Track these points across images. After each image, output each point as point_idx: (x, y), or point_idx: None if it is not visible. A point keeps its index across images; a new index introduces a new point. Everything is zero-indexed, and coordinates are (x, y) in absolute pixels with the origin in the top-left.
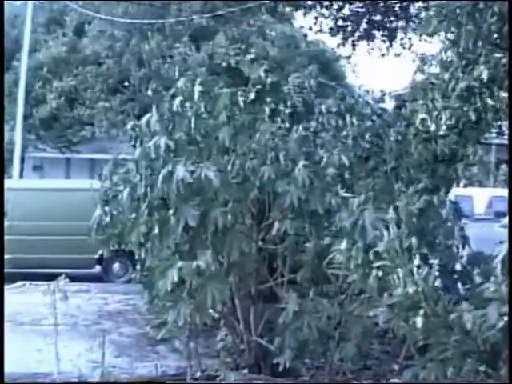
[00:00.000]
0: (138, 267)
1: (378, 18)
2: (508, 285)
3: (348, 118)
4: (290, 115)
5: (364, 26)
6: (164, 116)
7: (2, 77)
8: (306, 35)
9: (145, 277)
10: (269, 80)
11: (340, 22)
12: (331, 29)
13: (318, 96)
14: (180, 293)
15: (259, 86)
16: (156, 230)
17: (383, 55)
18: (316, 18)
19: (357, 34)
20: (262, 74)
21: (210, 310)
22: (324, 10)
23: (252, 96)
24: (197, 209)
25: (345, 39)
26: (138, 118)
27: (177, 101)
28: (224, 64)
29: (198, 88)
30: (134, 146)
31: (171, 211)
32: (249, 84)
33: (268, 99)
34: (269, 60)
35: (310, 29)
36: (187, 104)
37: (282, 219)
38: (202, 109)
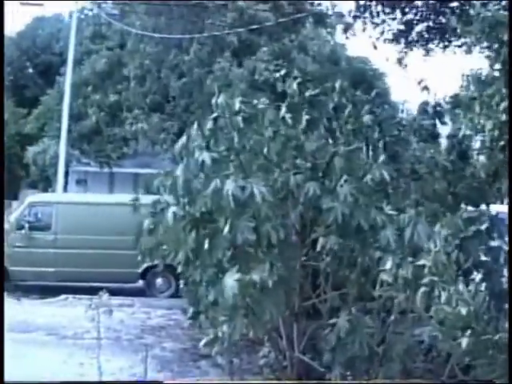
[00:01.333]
0: (183, 282)
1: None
2: (508, 285)
3: (387, 133)
4: (333, 131)
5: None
6: (206, 131)
7: (2, 77)
8: (344, 46)
9: (191, 292)
10: (309, 95)
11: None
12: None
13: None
14: (235, 307)
15: (301, 102)
16: (205, 245)
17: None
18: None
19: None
20: (302, 89)
21: (267, 325)
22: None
23: (294, 112)
24: (250, 222)
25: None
26: (179, 134)
27: (217, 116)
28: (262, 78)
29: (238, 103)
30: (176, 161)
31: (226, 227)
32: (289, 99)
33: (310, 115)
34: (309, 75)
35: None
36: (229, 119)
37: (326, 235)
38: (242, 124)
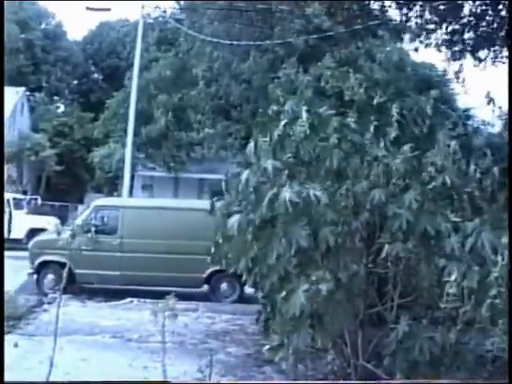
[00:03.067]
0: (248, 287)
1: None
2: (508, 285)
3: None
4: (398, 138)
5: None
6: (272, 138)
7: (2, 77)
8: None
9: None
10: (375, 102)
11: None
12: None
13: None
14: (301, 317)
15: (367, 109)
16: (266, 251)
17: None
18: (427, 32)
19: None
20: (370, 96)
21: (333, 334)
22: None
23: (360, 119)
24: (306, 229)
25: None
26: (246, 139)
27: (284, 123)
28: (329, 86)
29: (305, 110)
30: (242, 168)
31: (282, 232)
32: (355, 106)
33: (376, 122)
34: (376, 82)
35: (421, 42)
36: (295, 126)
37: (392, 242)
38: (309, 131)
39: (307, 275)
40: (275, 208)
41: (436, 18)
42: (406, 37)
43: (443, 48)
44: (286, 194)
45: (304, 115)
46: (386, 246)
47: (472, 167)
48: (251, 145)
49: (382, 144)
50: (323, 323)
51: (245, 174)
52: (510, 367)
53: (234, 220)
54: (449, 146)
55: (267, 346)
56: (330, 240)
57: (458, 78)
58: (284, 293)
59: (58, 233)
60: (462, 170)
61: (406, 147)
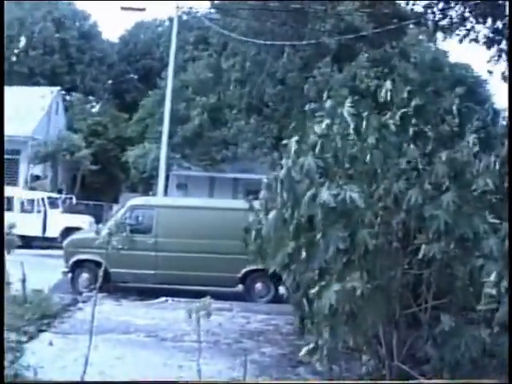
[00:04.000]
0: (284, 288)
1: None
2: (508, 284)
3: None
4: (435, 139)
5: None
6: (310, 137)
7: (2, 77)
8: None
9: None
10: (413, 103)
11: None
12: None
13: (464, 119)
14: (336, 315)
15: (404, 109)
16: (303, 252)
17: None
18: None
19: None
20: (406, 97)
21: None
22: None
23: (398, 119)
24: (343, 231)
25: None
26: (278, 138)
27: (325, 122)
28: (363, 86)
29: (348, 110)
30: (274, 168)
31: (319, 234)
32: (392, 107)
33: (413, 122)
34: (411, 83)
35: (461, 41)
36: (334, 125)
37: (429, 243)
38: (351, 131)
39: (343, 276)
40: (313, 208)
41: (475, 17)
42: (441, 36)
43: (485, 47)
44: (324, 195)
45: (346, 115)
46: (423, 246)
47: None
48: (290, 143)
49: (419, 145)
50: (358, 323)
51: (283, 172)
52: (510, 367)
53: (272, 217)
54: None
55: (304, 348)
56: (369, 242)
57: (504, 78)
58: (319, 292)
59: (97, 232)
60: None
61: (443, 149)
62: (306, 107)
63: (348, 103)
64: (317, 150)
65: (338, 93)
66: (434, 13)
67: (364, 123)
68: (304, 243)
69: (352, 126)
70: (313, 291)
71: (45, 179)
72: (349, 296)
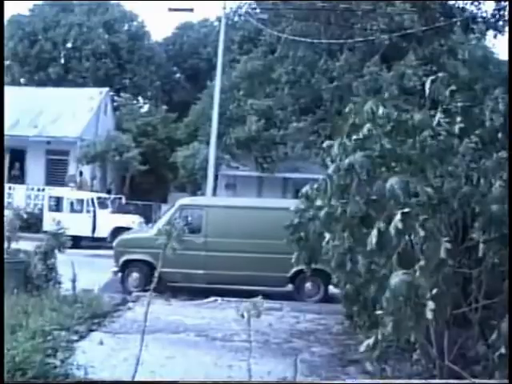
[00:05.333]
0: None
1: None
2: (508, 284)
3: None
4: (483, 137)
5: None
6: (360, 135)
7: (2, 77)
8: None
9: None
10: (459, 102)
11: None
12: None
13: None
14: (400, 309)
15: (454, 109)
16: (357, 248)
17: None
18: None
19: None
20: (451, 95)
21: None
22: None
23: (448, 117)
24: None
25: None
26: (330, 138)
27: (368, 123)
28: (412, 84)
29: (393, 108)
30: (326, 166)
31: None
32: (439, 105)
33: (459, 120)
34: (459, 81)
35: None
36: (382, 123)
37: (482, 242)
38: (396, 129)
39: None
40: (365, 206)
41: None
42: (491, 33)
43: None
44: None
45: (392, 113)
46: (481, 245)
47: None
48: (337, 141)
49: (468, 142)
50: (418, 317)
51: (331, 169)
52: (510, 367)
53: (323, 215)
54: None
55: (365, 343)
56: (420, 231)
57: None
58: (374, 289)
59: (157, 233)
60: None
61: (491, 146)
62: (349, 107)
63: (397, 101)
64: (364, 147)
65: (385, 92)
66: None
67: (412, 121)
68: (359, 240)
69: (398, 123)
70: (369, 289)
71: (80, 176)
72: (415, 290)
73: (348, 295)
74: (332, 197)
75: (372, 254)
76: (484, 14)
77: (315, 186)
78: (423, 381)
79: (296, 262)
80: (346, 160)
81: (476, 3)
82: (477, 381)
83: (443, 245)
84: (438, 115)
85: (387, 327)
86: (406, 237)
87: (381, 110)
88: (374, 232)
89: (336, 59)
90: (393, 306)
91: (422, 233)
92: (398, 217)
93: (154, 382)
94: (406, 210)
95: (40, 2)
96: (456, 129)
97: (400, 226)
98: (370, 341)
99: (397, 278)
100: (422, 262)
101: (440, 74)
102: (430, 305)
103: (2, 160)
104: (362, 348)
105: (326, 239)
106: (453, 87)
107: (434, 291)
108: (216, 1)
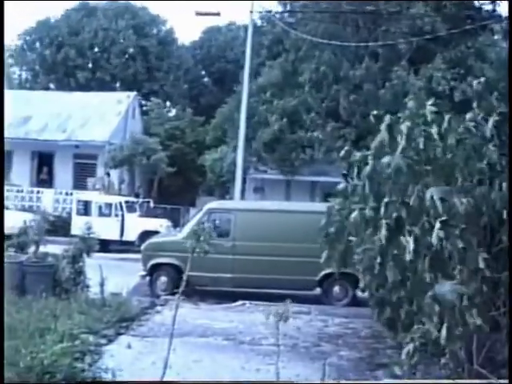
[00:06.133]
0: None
1: None
2: (508, 284)
3: None
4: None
5: None
6: (392, 138)
7: (2, 77)
8: None
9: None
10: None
11: None
12: None
13: None
14: (443, 315)
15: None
16: (394, 251)
17: None
18: None
19: None
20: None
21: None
22: None
23: (477, 120)
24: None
25: None
26: (356, 141)
27: (406, 123)
28: (440, 88)
29: (430, 111)
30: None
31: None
32: (470, 108)
33: (493, 124)
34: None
35: None
36: (417, 126)
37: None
38: (434, 131)
39: (431, 278)
40: (400, 208)
41: None
42: None
43: None
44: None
45: (429, 116)
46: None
47: None
48: (375, 142)
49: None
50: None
51: (367, 171)
52: (510, 367)
53: (354, 220)
54: None
55: (405, 349)
56: (459, 243)
57: None
58: (407, 294)
59: (186, 236)
60: None
61: None
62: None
63: (429, 104)
64: (400, 150)
65: (416, 95)
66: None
67: (445, 124)
68: (394, 243)
69: (434, 127)
70: (403, 293)
71: (105, 176)
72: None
73: (378, 299)
74: (366, 198)
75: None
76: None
77: (350, 184)
78: (428, 381)
79: (326, 263)
80: (384, 159)
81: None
82: (477, 381)
83: (480, 255)
84: (468, 117)
85: (432, 334)
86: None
87: (428, 112)
88: (411, 238)
89: (361, 62)
90: (444, 315)
91: (460, 244)
92: (438, 225)
93: (154, 382)
94: (444, 218)
95: (65, 6)
96: (488, 132)
97: (442, 235)
98: (410, 348)
99: (445, 287)
100: (463, 272)
101: (482, 79)
102: (474, 313)
103: (2, 160)
104: (403, 355)
105: (357, 241)
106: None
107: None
108: (243, 2)
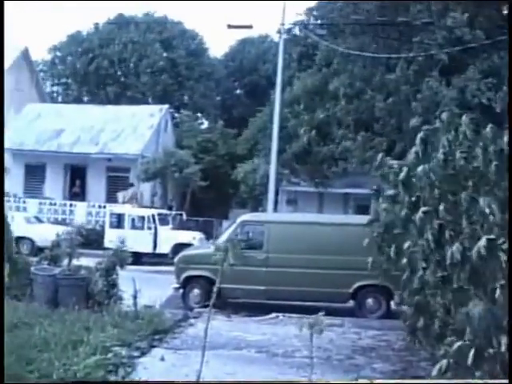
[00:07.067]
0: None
1: None
2: (508, 284)
3: None
4: None
5: None
6: (426, 148)
7: (2, 78)
8: None
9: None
10: None
11: None
12: None
13: None
14: (477, 335)
15: None
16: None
17: None
18: None
19: None
20: None
21: None
22: None
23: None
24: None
25: None
26: (388, 152)
27: (446, 136)
28: (476, 100)
29: (465, 124)
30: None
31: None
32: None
33: None
34: None
35: None
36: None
37: None
38: (470, 143)
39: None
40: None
41: None
42: None
43: None
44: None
45: (465, 128)
46: None
47: None
48: (411, 153)
49: None
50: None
51: (402, 175)
52: (510, 367)
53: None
54: None
55: (436, 368)
56: (502, 256)
57: None
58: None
59: (216, 249)
60: None
61: None
62: (414, 121)
63: (466, 116)
64: (439, 159)
65: (449, 107)
66: None
67: (485, 135)
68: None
69: (470, 138)
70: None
71: (131, 187)
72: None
73: (415, 308)
74: (404, 205)
75: (451, 267)
76: None
77: (392, 192)
78: (428, 381)
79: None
80: (420, 168)
81: None
82: (476, 381)
83: None
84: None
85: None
86: None
87: (464, 125)
88: (456, 247)
89: (393, 73)
90: (473, 336)
91: (504, 257)
92: (483, 242)
93: (154, 382)
94: (492, 236)
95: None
96: None
97: (483, 251)
98: (443, 365)
99: (479, 307)
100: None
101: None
102: (503, 339)
103: (2, 161)
104: (434, 372)
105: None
106: None
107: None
108: (275, 15)
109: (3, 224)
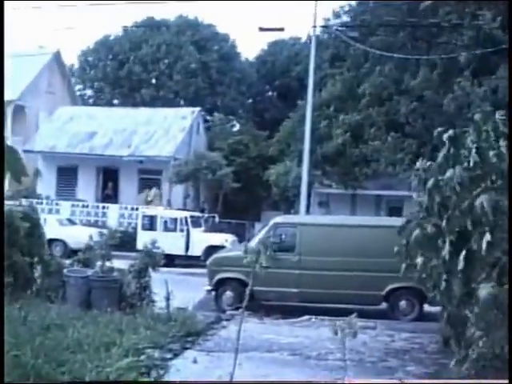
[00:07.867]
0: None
1: None
2: (508, 284)
3: None
4: None
5: None
6: (458, 150)
7: (2, 78)
8: None
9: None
10: None
11: None
12: None
13: None
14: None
15: None
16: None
17: None
18: None
19: None
20: None
21: None
22: None
23: None
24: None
25: None
26: (417, 153)
27: (472, 135)
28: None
29: (501, 122)
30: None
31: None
32: None
33: None
34: None
35: None
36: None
37: None
38: (503, 143)
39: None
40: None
41: None
42: None
43: None
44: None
45: (501, 127)
46: None
47: None
48: (441, 155)
49: None
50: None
51: (430, 183)
52: (510, 367)
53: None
54: None
55: (454, 360)
56: None
57: None
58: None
59: (245, 251)
60: None
61: None
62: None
63: (498, 116)
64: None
65: (481, 108)
66: None
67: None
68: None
69: (501, 140)
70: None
71: (155, 189)
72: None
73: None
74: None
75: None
76: None
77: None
78: (428, 381)
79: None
80: (447, 174)
81: None
82: (477, 381)
83: None
84: None
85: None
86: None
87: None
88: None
89: (423, 74)
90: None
91: None
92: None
93: (155, 382)
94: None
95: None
96: None
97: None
98: (459, 357)
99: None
100: None
101: None
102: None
103: (3, 161)
104: (452, 363)
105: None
106: None
107: None
108: (307, 17)
109: (3, 224)
